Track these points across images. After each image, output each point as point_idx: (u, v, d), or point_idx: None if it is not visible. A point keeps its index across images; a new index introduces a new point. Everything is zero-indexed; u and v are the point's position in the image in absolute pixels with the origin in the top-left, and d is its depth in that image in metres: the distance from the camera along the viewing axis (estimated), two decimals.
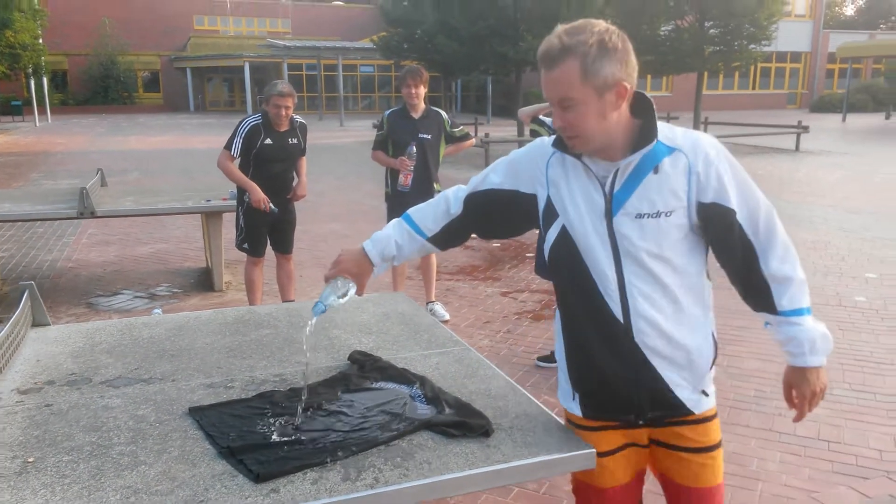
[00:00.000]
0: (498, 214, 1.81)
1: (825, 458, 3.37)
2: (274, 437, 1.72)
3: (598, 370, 1.71)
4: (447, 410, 1.86)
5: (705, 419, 1.74)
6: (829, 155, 17.02)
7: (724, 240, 1.65)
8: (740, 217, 1.61)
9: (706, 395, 1.73)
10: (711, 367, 1.73)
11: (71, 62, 39.78)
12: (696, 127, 19.78)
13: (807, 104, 39.56)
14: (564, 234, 1.69)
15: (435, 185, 5.00)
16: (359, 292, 1.89)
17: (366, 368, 2.14)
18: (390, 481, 1.54)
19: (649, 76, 27.38)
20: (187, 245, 7.76)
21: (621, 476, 1.79)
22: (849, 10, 63.28)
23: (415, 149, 4.82)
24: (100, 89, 40.37)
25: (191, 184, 9.23)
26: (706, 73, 20.41)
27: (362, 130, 25.75)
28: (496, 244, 7.76)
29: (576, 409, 1.79)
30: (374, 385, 2.03)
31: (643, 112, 1.62)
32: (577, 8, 19.26)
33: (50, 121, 31.62)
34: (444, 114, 5.12)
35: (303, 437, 1.71)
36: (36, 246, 7.70)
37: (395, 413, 1.85)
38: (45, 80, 30.44)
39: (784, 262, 1.63)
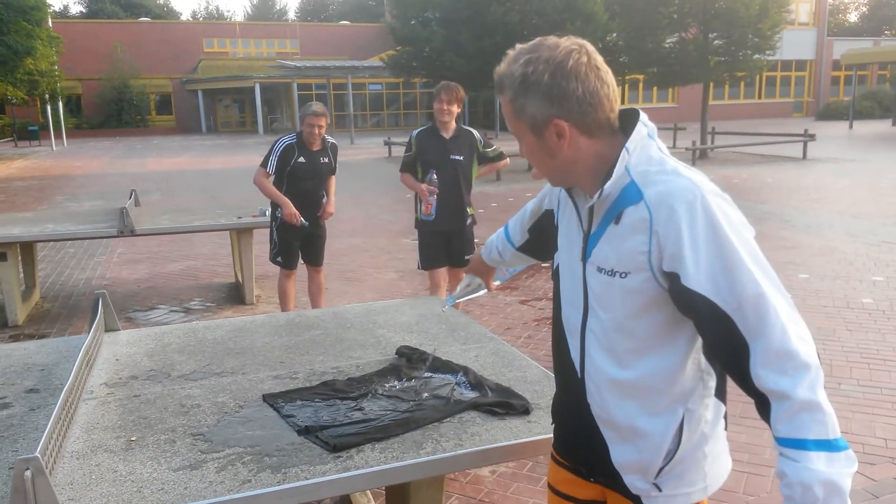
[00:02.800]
0: (553, 235, 1.62)
1: None
2: (341, 417, 1.97)
3: (560, 410, 1.58)
4: (490, 394, 2.11)
5: None
6: (836, 162, 17.21)
7: (699, 325, 1.29)
8: (713, 296, 1.23)
9: (659, 489, 1.41)
10: (667, 461, 1.39)
11: (84, 87, 40.53)
12: (702, 137, 20.01)
13: (813, 112, 39.74)
14: (558, 266, 1.53)
15: (468, 209, 4.76)
16: (487, 287, 2.10)
17: (413, 360, 2.39)
18: (447, 449, 1.79)
19: (655, 88, 27.71)
20: (215, 261, 8.05)
21: None
22: (852, 17, 63.61)
23: (435, 176, 4.59)
24: (113, 112, 41.10)
25: (214, 203, 9.54)
26: (712, 84, 20.64)
27: (372, 147, 26.14)
28: None
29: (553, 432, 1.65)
30: (423, 374, 2.29)
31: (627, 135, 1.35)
32: (582, 23, 19.63)
33: (66, 145, 32.20)
34: (476, 133, 4.81)
35: (366, 417, 1.97)
36: (69, 266, 8.01)
37: (445, 397, 2.10)
38: (60, 105, 31.07)
39: (781, 374, 1.20)
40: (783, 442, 1.22)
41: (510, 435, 1.87)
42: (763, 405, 1.25)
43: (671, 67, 19.97)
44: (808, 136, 18.32)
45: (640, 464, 1.40)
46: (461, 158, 4.65)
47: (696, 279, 1.23)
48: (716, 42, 19.51)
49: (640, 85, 33.75)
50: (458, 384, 2.20)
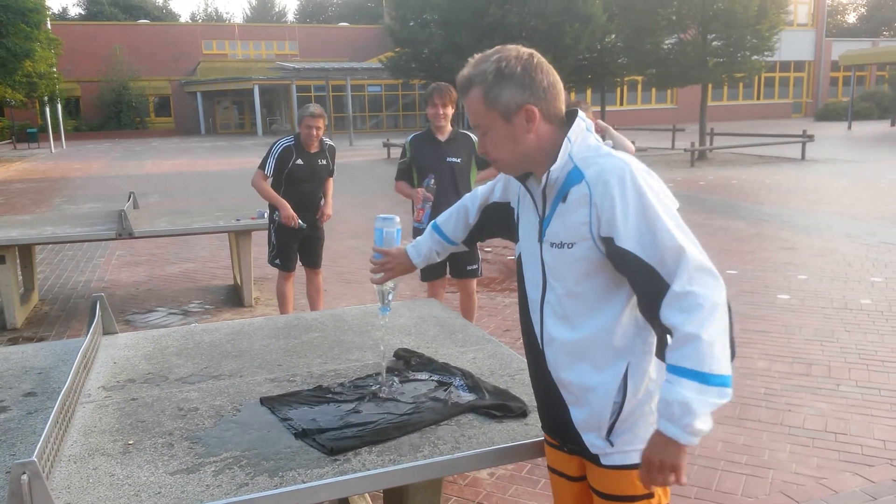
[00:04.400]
0: (507, 224, 1.86)
1: (832, 448, 3.57)
2: (339, 420, 1.97)
3: (534, 388, 1.76)
4: (487, 396, 2.11)
5: (615, 467, 1.60)
6: (834, 163, 17.22)
7: (631, 279, 1.50)
8: (640, 253, 1.45)
9: (612, 445, 1.58)
10: (615, 416, 1.56)
11: (83, 89, 40.55)
12: (701, 138, 20.02)
13: (811, 113, 39.77)
14: (521, 254, 1.74)
15: None
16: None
17: (411, 363, 2.39)
18: (445, 452, 1.79)
19: (654, 89, 27.70)
20: (213, 264, 8.05)
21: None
22: (851, 18, 63.66)
23: (433, 182, 4.29)
24: (112, 115, 41.12)
25: (213, 205, 9.54)
26: (710, 85, 20.64)
27: (371, 149, 26.15)
28: (511, 256, 8.02)
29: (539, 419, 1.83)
30: (420, 377, 2.28)
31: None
32: (581, 25, 19.63)
33: (65, 147, 32.18)
34: (473, 136, 4.46)
35: (364, 420, 1.97)
36: (68, 268, 8.01)
37: (442, 399, 2.10)
38: (59, 107, 31.07)
39: (678, 311, 1.40)
40: (668, 369, 1.43)
41: (508, 437, 1.87)
42: (664, 342, 1.47)
43: (670, 69, 19.97)
44: (807, 137, 18.34)
45: (594, 419, 1.58)
46: (458, 161, 4.42)
47: (627, 239, 1.45)
48: (714, 43, 19.51)
49: (639, 86, 33.76)
50: (455, 387, 2.19)
